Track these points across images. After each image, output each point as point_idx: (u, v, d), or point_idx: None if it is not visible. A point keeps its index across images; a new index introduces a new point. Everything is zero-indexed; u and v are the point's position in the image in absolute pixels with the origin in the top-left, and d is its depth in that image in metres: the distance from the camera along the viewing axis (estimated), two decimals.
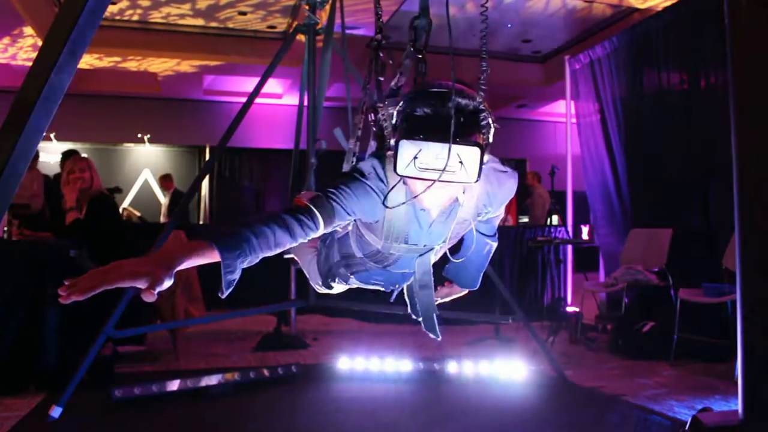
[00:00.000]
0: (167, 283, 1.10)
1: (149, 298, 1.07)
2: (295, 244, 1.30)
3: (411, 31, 1.55)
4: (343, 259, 1.69)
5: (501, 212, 1.64)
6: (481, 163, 1.22)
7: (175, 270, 1.12)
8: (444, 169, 1.20)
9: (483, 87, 1.31)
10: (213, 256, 1.17)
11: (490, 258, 1.80)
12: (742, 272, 1.34)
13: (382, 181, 1.39)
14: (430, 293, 1.60)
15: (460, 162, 1.21)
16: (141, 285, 1.08)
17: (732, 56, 1.34)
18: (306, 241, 1.33)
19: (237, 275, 1.19)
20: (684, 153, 4.63)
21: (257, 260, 1.23)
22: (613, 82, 5.34)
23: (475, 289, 1.83)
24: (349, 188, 1.37)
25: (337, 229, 1.48)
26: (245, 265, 1.21)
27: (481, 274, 1.82)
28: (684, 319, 3.95)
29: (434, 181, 1.23)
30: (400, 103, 1.29)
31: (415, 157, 1.20)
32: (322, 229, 1.32)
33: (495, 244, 1.75)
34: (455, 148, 1.19)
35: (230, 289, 1.18)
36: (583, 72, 5.71)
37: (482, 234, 1.70)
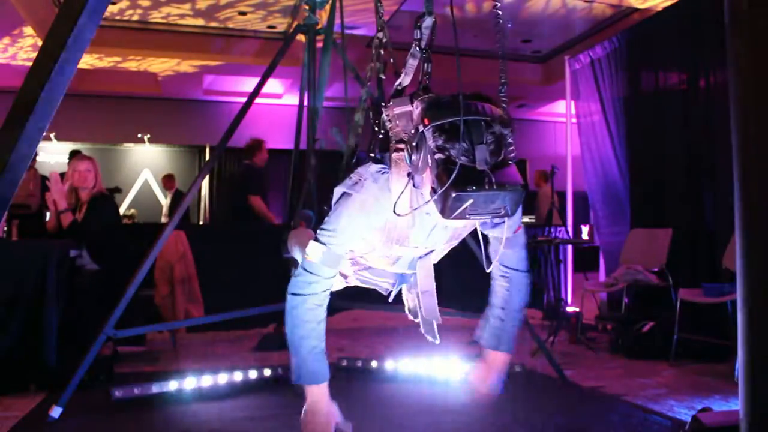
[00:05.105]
0: None
1: None
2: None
3: (416, 31, 1.53)
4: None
5: (516, 221, 1.55)
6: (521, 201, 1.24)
7: None
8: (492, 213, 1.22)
9: (504, 100, 1.32)
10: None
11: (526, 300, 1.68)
12: (742, 272, 1.33)
13: (383, 189, 1.38)
14: (432, 299, 1.59)
15: (506, 203, 1.22)
16: None
17: (732, 56, 1.34)
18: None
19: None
20: (684, 153, 4.63)
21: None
22: (613, 82, 5.33)
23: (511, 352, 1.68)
24: (349, 224, 1.39)
25: None
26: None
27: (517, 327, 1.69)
28: (684, 319, 3.95)
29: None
30: (429, 130, 1.23)
31: (467, 205, 1.19)
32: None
33: (529, 278, 1.65)
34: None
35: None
36: (584, 72, 5.70)
37: (512, 268, 1.60)
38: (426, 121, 1.25)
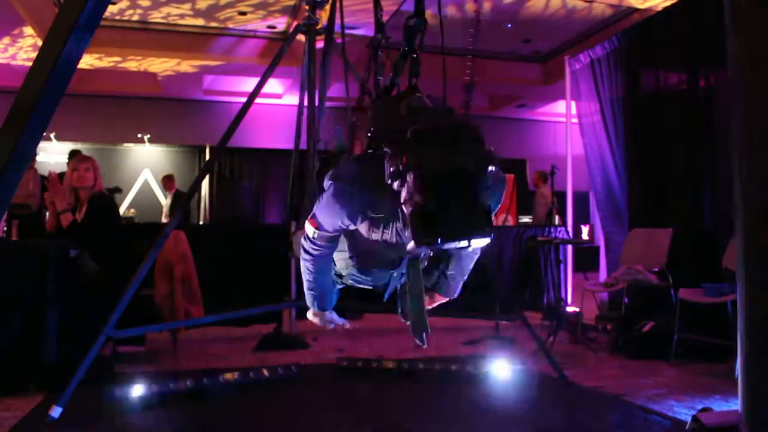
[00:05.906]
0: None
1: None
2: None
3: (406, 31, 1.55)
4: (337, 255, 1.69)
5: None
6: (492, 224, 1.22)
7: None
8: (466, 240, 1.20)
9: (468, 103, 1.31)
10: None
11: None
12: (742, 272, 1.34)
13: (372, 188, 1.39)
14: (421, 305, 1.58)
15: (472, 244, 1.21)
16: None
17: (732, 56, 1.34)
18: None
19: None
20: (684, 153, 4.63)
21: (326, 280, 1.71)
22: (613, 82, 5.33)
23: (455, 297, 1.85)
24: (327, 210, 1.48)
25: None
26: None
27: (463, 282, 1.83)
28: (684, 319, 3.95)
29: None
30: (409, 154, 1.18)
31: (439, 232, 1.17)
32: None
33: (479, 252, 1.75)
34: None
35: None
36: (584, 72, 5.70)
37: None
38: (404, 161, 1.20)
